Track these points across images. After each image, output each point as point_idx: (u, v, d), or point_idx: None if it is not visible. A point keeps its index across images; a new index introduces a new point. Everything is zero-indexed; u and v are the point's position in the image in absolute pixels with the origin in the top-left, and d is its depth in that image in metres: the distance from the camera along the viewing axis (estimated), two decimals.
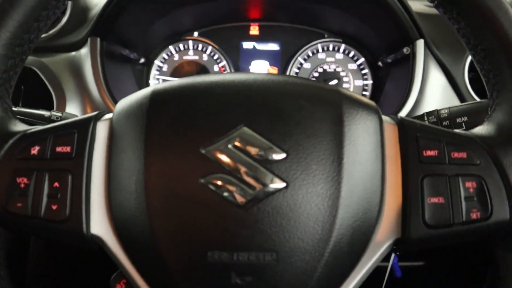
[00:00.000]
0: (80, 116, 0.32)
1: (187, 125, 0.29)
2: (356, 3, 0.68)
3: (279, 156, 0.28)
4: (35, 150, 0.30)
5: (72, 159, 0.30)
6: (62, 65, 0.65)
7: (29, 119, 0.47)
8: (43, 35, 0.64)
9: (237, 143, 0.28)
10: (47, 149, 0.30)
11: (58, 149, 0.30)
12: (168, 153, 0.28)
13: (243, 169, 0.28)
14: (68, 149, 0.30)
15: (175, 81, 0.32)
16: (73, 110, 0.62)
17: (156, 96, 0.30)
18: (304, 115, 0.30)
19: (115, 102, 0.63)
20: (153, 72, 0.77)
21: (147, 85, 0.76)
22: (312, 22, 0.76)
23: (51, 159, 0.29)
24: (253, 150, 0.28)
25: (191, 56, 0.77)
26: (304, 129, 0.29)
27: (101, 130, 0.31)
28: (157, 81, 0.77)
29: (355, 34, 0.75)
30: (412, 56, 0.64)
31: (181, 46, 0.78)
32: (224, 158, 0.28)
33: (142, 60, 0.75)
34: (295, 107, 0.30)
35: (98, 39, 0.63)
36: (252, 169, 0.28)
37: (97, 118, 0.32)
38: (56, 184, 0.29)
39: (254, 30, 0.78)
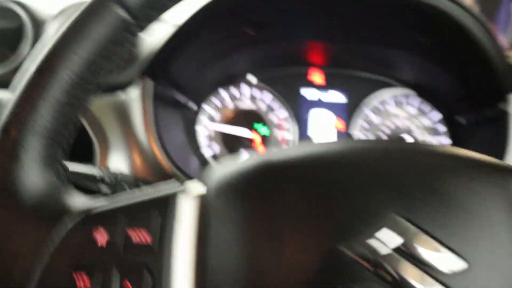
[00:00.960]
0: (158, 189, 0.24)
1: (318, 212, 0.21)
2: (438, 46, 0.61)
3: (457, 265, 0.20)
4: (103, 240, 0.21)
5: (152, 253, 0.21)
6: (106, 107, 0.58)
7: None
8: None
9: (389, 238, 0.20)
10: (119, 238, 0.22)
11: (135, 238, 0.21)
12: (299, 250, 0.20)
13: (404, 280, 0.19)
14: (148, 239, 0.21)
15: (291, 151, 0.24)
16: (118, 160, 0.55)
17: (273, 171, 0.22)
18: (478, 205, 0.21)
19: (165, 152, 0.56)
20: (203, 119, 0.70)
21: (195, 132, 0.70)
22: (381, 70, 0.69)
23: (124, 252, 0.21)
24: (415, 251, 0.20)
25: (245, 103, 0.71)
26: (482, 226, 0.21)
27: (188, 211, 0.23)
28: (205, 129, 0.70)
29: (431, 84, 0.67)
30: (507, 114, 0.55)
31: (234, 91, 0.71)
32: (373, 257, 0.20)
33: (191, 104, 0.68)
34: (466, 191, 0.21)
35: (151, 81, 0.57)
36: (419, 281, 0.19)
37: (181, 193, 0.24)
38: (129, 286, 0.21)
39: (316, 76, 0.71)
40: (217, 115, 0.71)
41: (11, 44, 0.60)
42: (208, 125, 0.71)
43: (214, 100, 0.71)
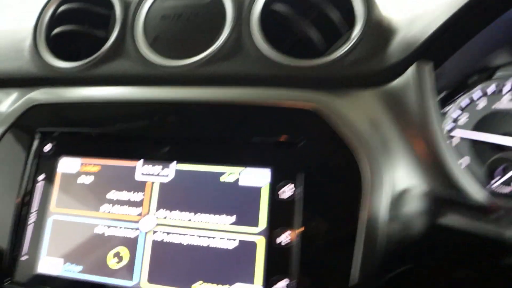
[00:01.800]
0: None
1: None
2: None
3: None
4: None
5: None
6: (369, 102, 0.55)
7: None
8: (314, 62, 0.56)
9: None
10: None
11: None
12: None
13: None
14: None
15: None
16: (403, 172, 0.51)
17: None
18: None
19: None
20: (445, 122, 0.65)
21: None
22: None
23: None
24: None
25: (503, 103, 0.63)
26: None
27: None
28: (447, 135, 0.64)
29: None
30: None
31: (489, 87, 0.64)
32: None
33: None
34: None
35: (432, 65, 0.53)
36: None
37: None
38: None
39: None
40: (465, 118, 0.64)
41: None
42: (455, 130, 0.64)
43: (463, 98, 0.65)
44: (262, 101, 0.55)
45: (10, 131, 0.62)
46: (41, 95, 0.63)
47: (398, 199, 0.49)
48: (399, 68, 0.54)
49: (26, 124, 0.62)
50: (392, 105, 0.54)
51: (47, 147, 0.61)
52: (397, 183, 0.50)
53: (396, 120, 0.53)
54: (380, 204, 0.49)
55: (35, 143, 0.61)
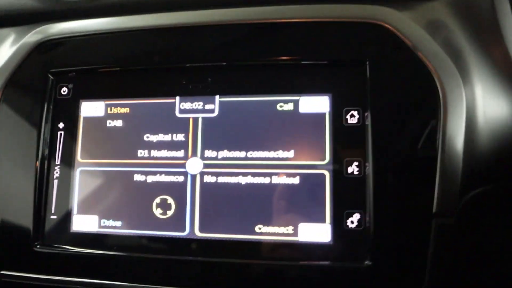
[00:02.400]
0: None
1: None
2: None
3: None
4: None
5: None
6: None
7: None
8: None
9: None
10: None
11: None
12: None
13: None
14: None
15: None
16: None
17: None
18: None
19: None
20: None
21: None
22: None
23: None
24: None
25: None
26: None
27: None
28: None
29: None
30: None
31: None
32: None
33: None
34: None
35: None
36: None
37: None
38: None
39: None
40: None
41: None
42: None
43: None
44: (324, 18, 0.48)
45: (17, 74, 0.54)
46: (50, 29, 0.54)
47: (478, 121, 0.44)
48: None
49: (35, 64, 0.54)
50: (463, 13, 0.48)
51: (63, 91, 0.53)
52: (476, 98, 0.45)
53: (468, 29, 0.47)
54: (459, 122, 0.44)
55: (49, 86, 0.53)
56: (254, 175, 0.47)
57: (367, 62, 0.46)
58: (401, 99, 0.46)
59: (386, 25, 0.47)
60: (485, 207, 0.44)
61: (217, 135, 0.48)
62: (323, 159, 0.46)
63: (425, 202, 0.43)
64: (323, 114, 0.47)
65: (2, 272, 0.52)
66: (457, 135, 0.44)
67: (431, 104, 0.45)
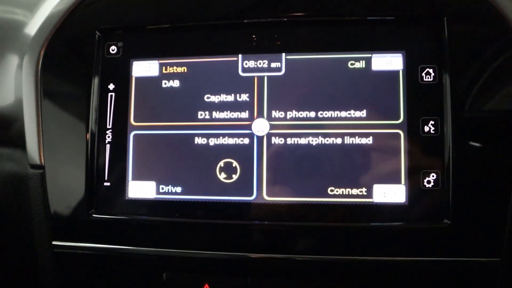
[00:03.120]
0: None
1: None
2: None
3: None
4: None
5: None
6: None
7: None
8: None
9: None
10: None
11: None
12: None
13: None
14: None
15: None
16: None
17: None
18: None
19: None
20: None
21: None
22: None
23: None
24: None
25: None
26: None
27: None
28: None
29: None
30: None
31: None
32: None
33: None
34: None
35: None
36: None
37: None
38: None
39: None
40: None
41: None
42: None
43: None
44: None
45: (62, 30, 0.50)
46: None
47: None
48: None
49: (81, 21, 0.50)
50: None
51: (113, 49, 0.50)
52: None
53: None
54: None
55: (96, 45, 0.49)
56: (325, 135, 0.45)
57: (445, 18, 0.44)
58: (480, 56, 0.44)
59: None
60: None
61: (284, 94, 0.46)
62: (398, 118, 0.45)
63: (504, 161, 0.43)
64: (397, 72, 0.45)
65: (54, 242, 0.49)
66: None
67: (510, 61, 0.43)
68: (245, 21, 0.47)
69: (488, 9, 0.44)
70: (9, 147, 0.54)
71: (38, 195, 0.50)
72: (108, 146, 0.49)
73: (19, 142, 0.52)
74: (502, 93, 0.44)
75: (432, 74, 0.45)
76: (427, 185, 0.44)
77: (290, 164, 0.46)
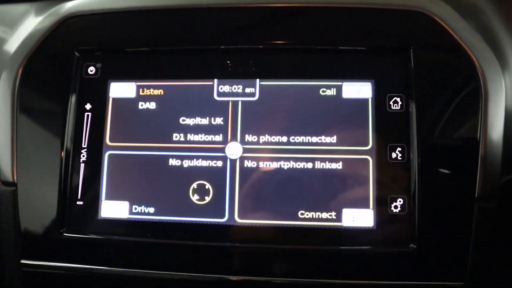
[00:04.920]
0: None
1: None
2: None
3: None
4: None
5: None
6: None
7: None
8: None
9: None
10: None
11: None
12: None
13: None
14: None
15: None
16: None
17: None
18: None
19: None
20: None
21: None
22: None
23: None
24: None
25: None
26: None
27: None
28: None
29: None
30: None
31: None
32: None
33: None
34: None
35: None
36: None
37: None
38: None
39: None
40: None
41: None
42: None
43: None
44: (367, 4, 0.48)
45: (41, 50, 0.51)
46: (78, 4, 0.51)
47: None
48: None
49: (61, 41, 0.51)
50: (506, 6, 0.50)
51: (91, 70, 0.51)
52: None
53: (505, 16, 0.49)
54: (499, 109, 0.45)
55: (75, 65, 0.50)
56: (296, 160, 0.47)
57: (411, 49, 0.47)
58: (444, 86, 0.47)
59: (429, 14, 0.48)
60: None
61: (258, 119, 0.48)
62: (367, 145, 0.46)
63: (467, 187, 0.45)
64: (366, 100, 0.47)
65: (23, 261, 0.49)
66: (497, 121, 0.45)
67: (473, 91, 0.46)
68: (221, 47, 0.49)
69: (452, 43, 0.47)
70: None
71: (9, 212, 0.50)
72: (82, 165, 0.49)
73: None
74: (465, 122, 0.46)
75: (399, 103, 0.47)
76: (394, 210, 0.45)
77: (262, 187, 0.47)
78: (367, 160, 0.46)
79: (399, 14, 0.48)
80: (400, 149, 0.46)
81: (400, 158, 0.46)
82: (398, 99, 0.47)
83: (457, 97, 0.46)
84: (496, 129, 0.45)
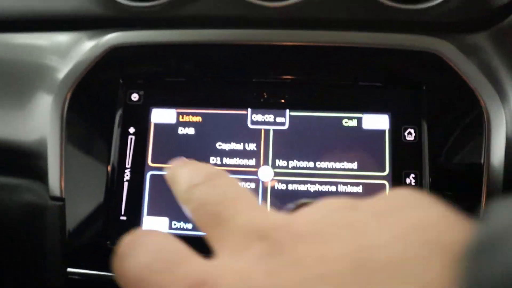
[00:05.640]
0: None
1: None
2: None
3: None
4: None
5: None
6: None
7: None
8: None
9: None
10: None
11: None
12: None
13: None
14: None
15: None
16: None
17: None
18: None
19: None
20: None
21: None
22: None
23: None
24: None
25: None
26: None
27: None
28: None
29: None
30: None
31: None
32: None
33: None
34: None
35: None
36: None
37: None
38: None
39: None
40: None
41: None
42: None
43: None
44: (385, 45, 0.54)
45: (88, 77, 0.55)
46: (120, 37, 0.56)
47: None
48: (506, 10, 0.56)
49: (107, 69, 0.56)
50: (503, 45, 0.56)
51: (134, 97, 0.56)
52: None
53: (504, 55, 0.55)
54: (500, 138, 0.52)
55: (120, 92, 0.56)
56: (321, 183, 0.53)
57: (424, 87, 0.53)
58: (452, 118, 0.53)
59: (438, 53, 0.54)
60: None
61: (287, 146, 0.53)
62: (384, 171, 0.52)
63: (473, 209, 0.51)
64: (384, 131, 0.53)
65: (69, 269, 0.54)
66: (498, 149, 0.51)
67: (477, 122, 0.52)
68: (253, 80, 0.55)
69: (458, 79, 0.53)
70: (29, 179, 0.58)
71: (56, 225, 0.55)
72: (126, 183, 0.54)
73: (40, 175, 0.57)
74: (471, 151, 0.52)
75: (413, 134, 0.53)
76: None
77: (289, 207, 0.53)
78: (384, 184, 0.52)
79: (412, 54, 0.54)
80: (413, 175, 0.52)
81: (414, 184, 0.52)
82: (412, 131, 0.53)
83: (463, 128, 0.53)
84: (497, 157, 0.51)
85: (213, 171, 0.25)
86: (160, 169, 0.54)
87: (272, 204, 0.53)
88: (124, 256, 0.21)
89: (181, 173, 0.25)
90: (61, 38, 0.59)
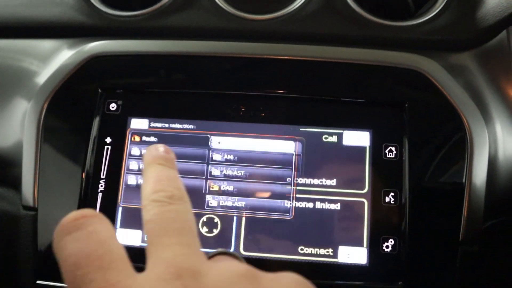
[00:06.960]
0: None
1: None
2: None
3: None
4: None
5: None
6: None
7: None
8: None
9: None
10: None
11: None
12: None
13: None
14: None
15: None
16: None
17: None
18: None
19: None
20: None
21: None
22: None
23: None
24: None
25: None
26: None
27: None
28: None
29: None
30: None
31: None
32: None
33: None
34: None
35: None
36: None
37: None
38: None
39: None
40: None
41: None
42: None
43: None
44: (369, 61, 0.53)
45: (67, 85, 0.55)
46: (101, 46, 0.56)
47: (499, 157, 0.52)
48: (493, 31, 0.56)
49: (85, 78, 0.55)
50: (488, 66, 0.55)
51: (112, 106, 0.55)
52: (497, 137, 0.52)
53: (494, 81, 0.55)
54: (482, 159, 0.51)
55: (98, 101, 0.55)
56: (298, 200, 0.52)
57: (407, 104, 0.52)
58: (434, 137, 0.52)
59: (422, 72, 0.53)
60: (505, 236, 0.51)
61: None
62: (363, 189, 0.51)
63: (453, 230, 0.50)
64: (364, 148, 0.52)
65: (39, 282, 0.52)
66: (481, 170, 0.50)
67: (459, 143, 0.51)
68: (233, 92, 0.54)
69: (442, 98, 0.52)
70: (2, 187, 0.57)
71: (28, 235, 0.53)
72: (100, 194, 0.53)
73: (14, 183, 0.56)
74: (452, 171, 0.51)
75: (394, 152, 0.52)
76: (386, 250, 0.50)
77: (267, 223, 0.51)
78: (362, 202, 0.51)
79: (396, 71, 0.54)
80: (393, 193, 0.51)
81: (393, 202, 0.51)
82: (393, 148, 0.52)
83: (445, 148, 0.52)
84: (479, 178, 0.50)
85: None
86: (135, 179, 0.53)
87: (246, 220, 0.51)
88: (67, 234, 0.23)
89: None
90: (43, 45, 0.59)
